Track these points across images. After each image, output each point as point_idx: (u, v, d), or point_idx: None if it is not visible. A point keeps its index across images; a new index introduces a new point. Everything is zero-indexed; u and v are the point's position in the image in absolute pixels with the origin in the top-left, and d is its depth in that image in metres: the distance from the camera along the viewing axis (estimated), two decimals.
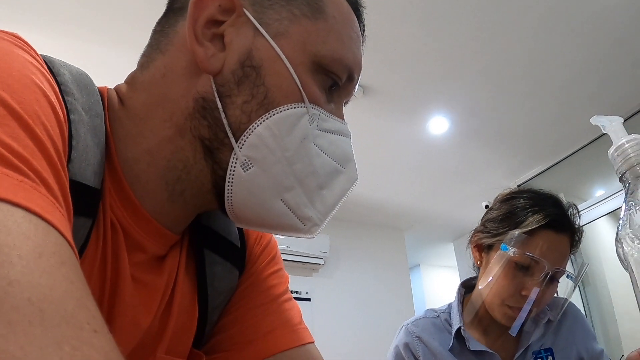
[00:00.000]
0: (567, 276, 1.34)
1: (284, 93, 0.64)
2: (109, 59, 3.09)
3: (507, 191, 1.51)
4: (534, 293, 1.28)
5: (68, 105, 0.55)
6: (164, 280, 0.70)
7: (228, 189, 0.64)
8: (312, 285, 5.17)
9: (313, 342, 0.85)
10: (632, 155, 0.68)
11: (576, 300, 4.36)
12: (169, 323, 0.71)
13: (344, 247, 5.57)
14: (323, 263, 5.28)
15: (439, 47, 3.21)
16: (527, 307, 1.28)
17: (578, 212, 1.43)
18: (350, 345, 5.00)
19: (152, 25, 0.73)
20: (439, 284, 8.03)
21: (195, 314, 0.76)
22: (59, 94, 0.53)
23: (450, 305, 1.55)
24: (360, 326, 5.24)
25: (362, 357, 4.90)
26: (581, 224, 1.43)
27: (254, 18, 0.66)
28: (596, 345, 1.46)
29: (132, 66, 0.72)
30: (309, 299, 5.02)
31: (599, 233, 4.53)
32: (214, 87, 0.64)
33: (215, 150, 0.65)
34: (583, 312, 4.27)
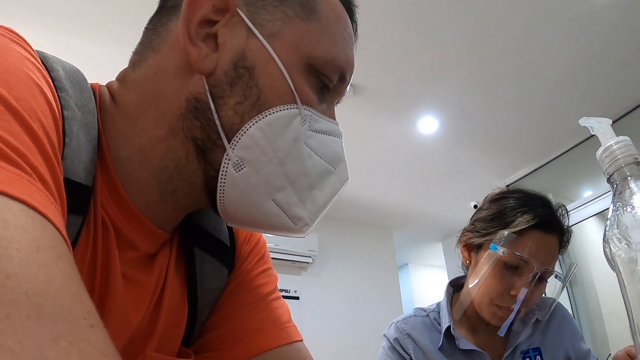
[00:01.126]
0: (556, 276, 1.35)
1: (277, 94, 0.64)
2: (100, 55, 3.07)
3: (497, 191, 1.52)
4: (522, 293, 1.28)
5: (62, 101, 0.55)
6: (154, 278, 0.70)
7: (220, 189, 0.64)
8: (300, 284, 5.17)
9: (302, 340, 0.85)
10: (620, 156, 0.68)
11: (564, 300, 4.39)
12: (158, 321, 0.71)
13: (333, 245, 5.57)
14: (312, 262, 5.28)
15: (430, 47, 3.21)
16: (516, 308, 1.29)
17: (567, 212, 1.44)
18: (338, 343, 5.00)
19: (145, 22, 0.72)
20: (427, 283, 8.06)
21: (184, 312, 0.76)
22: (54, 89, 0.53)
23: (439, 304, 1.56)
24: (349, 325, 5.24)
25: (350, 355, 4.90)
26: (570, 225, 1.43)
27: (248, 18, 0.65)
28: (583, 344, 1.47)
29: (123, 63, 0.72)
30: (297, 298, 5.02)
31: (587, 234, 4.56)
32: (206, 87, 0.64)
33: (207, 151, 0.65)
34: (571, 312, 4.29)
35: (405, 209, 5.76)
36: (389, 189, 5.23)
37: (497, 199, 1.46)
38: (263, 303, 0.84)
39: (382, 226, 6.22)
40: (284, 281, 4.82)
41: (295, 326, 0.86)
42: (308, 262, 5.24)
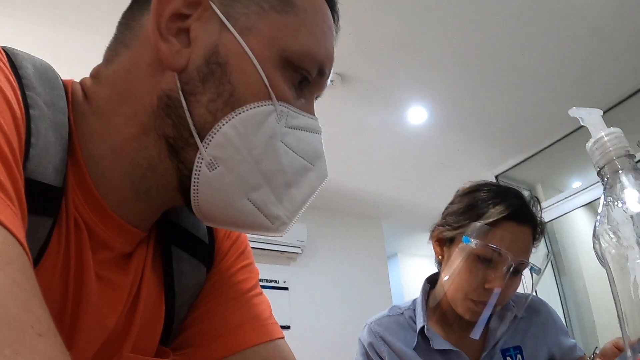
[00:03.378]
0: (531, 269, 1.34)
1: (251, 91, 0.63)
2: (76, 46, 3.00)
3: (468, 184, 1.50)
4: (496, 293, 1.27)
5: (29, 100, 0.53)
6: (130, 278, 0.69)
7: (194, 189, 0.63)
8: (289, 274, 5.17)
9: (283, 338, 0.84)
10: (610, 149, 0.66)
11: (552, 290, 4.42)
12: (134, 321, 0.70)
13: (322, 236, 5.58)
14: (300, 252, 5.28)
15: (419, 37, 3.20)
16: (491, 303, 1.27)
17: (540, 204, 1.42)
18: (327, 333, 5.01)
19: (118, 11, 0.71)
20: (416, 272, 8.08)
21: (161, 312, 0.75)
22: (17, 89, 0.52)
23: (414, 301, 1.54)
24: (338, 315, 5.26)
25: (339, 345, 4.91)
26: (543, 217, 1.42)
27: (221, 12, 0.64)
28: (567, 340, 1.46)
29: (99, 54, 0.70)
30: (286, 288, 5.02)
31: (576, 224, 4.59)
32: (178, 84, 0.62)
33: (180, 150, 0.63)
34: (559, 302, 4.32)
35: (394, 199, 5.78)
36: (378, 179, 5.24)
37: (469, 192, 1.45)
38: (243, 299, 0.83)
39: (371, 216, 6.23)
40: (272, 272, 4.83)
41: (276, 323, 0.85)
42: (297, 253, 5.25)
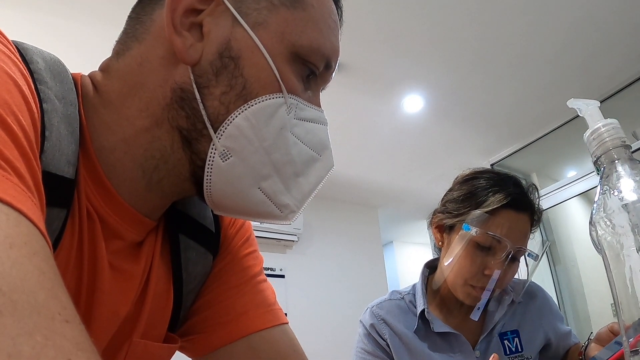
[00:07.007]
0: (529, 255, 1.36)
1: (262, 84, 0.64)
2: (84, 36, 3.00)
3: (467, 171, 1.52)
4: (496, 273, 1.30)
5: (41, 94, 0.54)
6: (141, 267, 0.71)
7: (207, 179, 0.65)
8: (285, 262, 5.18)
9: (287, 323, 0.86)
10: (607, 139, 0.68)
11: (547, 279, 4.44)
12: (144, 308, 0.71)
13: (318, 223, 5.58)
14: (297, 240, 5.28)
15: (415, 25, 3.19)
16: (489, 288, 1.30)
17: (537, 191, 1.44)
18: (324, 321, 5.03)
19: (131, 1, 0.71)
20: (412, 260, 8.10)
21: (170, 299, 0.77)
22: (31, 83, 0.53)
23: (414, 286, 1.56)
24: (334, 302, 5.27)
25: (335, 333, 4.94)
26: (540, 204, 1.45)
27: (233, 7, 0.65)
28: (563, 326, 1.49)
29: (108, 44, 0.71)
30: (282, 276, 5.03)
31: (570, 213, 4.60)
32: (192, 77, 0.64)
33: (193, 141, 0.65)
34: (554, 290, 4.34)
35: (390, 187, 5.78)
36: (374, 167, 5.23)
37: (468, 180, 1.47)
38: (249, 285, 0.85)
39: (367, 204, 6.23)
40: (269, 259, 4.82)
41: (280, 309, 0.87)
42: (293, 241, 5.26)
